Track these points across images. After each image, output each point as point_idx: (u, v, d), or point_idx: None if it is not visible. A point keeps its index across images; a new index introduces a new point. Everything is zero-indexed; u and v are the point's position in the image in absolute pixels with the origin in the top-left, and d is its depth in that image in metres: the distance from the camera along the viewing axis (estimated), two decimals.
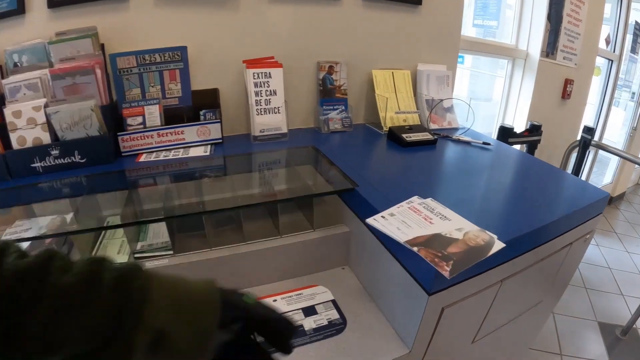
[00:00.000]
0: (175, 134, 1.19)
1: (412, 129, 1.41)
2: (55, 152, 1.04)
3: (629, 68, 3.69)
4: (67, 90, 1.06)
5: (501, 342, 1.31)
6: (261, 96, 1.26)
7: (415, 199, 0.95)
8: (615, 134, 4.23)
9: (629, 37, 3.39)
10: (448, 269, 0.72)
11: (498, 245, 0.80)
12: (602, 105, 3.46)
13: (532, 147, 2.13)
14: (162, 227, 0.96)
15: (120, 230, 0.98)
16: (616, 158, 4.24)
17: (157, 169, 1.12)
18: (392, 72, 1.53)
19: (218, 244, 0.93)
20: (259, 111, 1.27)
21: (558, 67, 2.49)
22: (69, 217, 0.93)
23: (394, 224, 0.84)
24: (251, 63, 1.24)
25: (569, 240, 1.12)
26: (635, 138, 4.08)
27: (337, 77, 1.41)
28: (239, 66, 1.27)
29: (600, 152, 4.03)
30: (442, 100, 1.62)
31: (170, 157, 1.16)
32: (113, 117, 1.14)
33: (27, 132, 1.02)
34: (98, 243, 0.96)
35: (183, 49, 1.18)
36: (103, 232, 0.99)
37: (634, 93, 4.03)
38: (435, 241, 0.79)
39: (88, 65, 1.05)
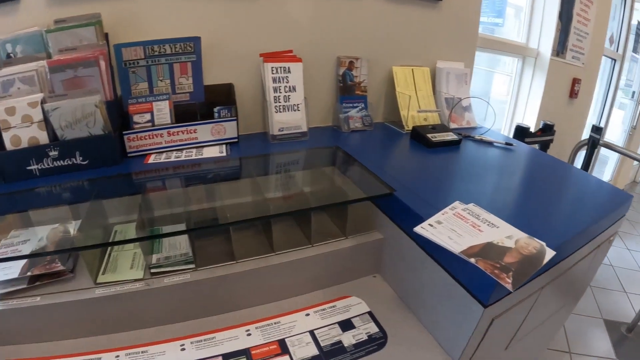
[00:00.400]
0: (187, 133, 1.11)
1: (435, 128, 1.36)
2: (54, 153, 0.95)
3: (630, 67, 3.73)
4: (67, 84, 0.97)
5: (528, 346, 1.29)
6: (280, 92, 1.18)
7: (457, 205, 0.90)
8: (615, 133, 4.29)
9: (632, 37, 3.43)
10: (510, 280, 0.67)
11: (549, 253, 0.76)
12: (604, 104, 3.49)
13: (544, 147, 2.10)
14: (179, 238, 0.88)
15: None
16: (615, 156, 4.30)
17: (169, 171, 1.04)
18: (412, 69, 1.47)
19: (244, 256, 0.86)
20: (278, 108, 1.19)
21: (567, 66, 2.50)
22: (71, 226, 0.85)
23: (444, 232, 0.79)
24: (269, 57, 1.16)
25: (597, 243, 1.11)
26: (635, 137, 4.14)
27: (357, 73, 1.35)
28: (256, 60, 1.20)
29: (600, 151, 4.08)
30: (461, 99, 1.57)
31: (183, 158, 1.08)
32: (118, 115, 1.05)
33: (22, 131, 0.93)
34: (107, 255, 0.87)
35: (196, 40, 1.09)
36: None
37: (634, 92, 4.08)
38: (490, 251, 0.75)
39: (91, 56, 0.96)
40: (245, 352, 0.77)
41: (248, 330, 0.83)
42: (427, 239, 0.78)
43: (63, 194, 0.97)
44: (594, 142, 2.30)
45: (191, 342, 0.78)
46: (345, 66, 1.32)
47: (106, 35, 1.03)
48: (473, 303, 0.75)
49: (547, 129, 1.97)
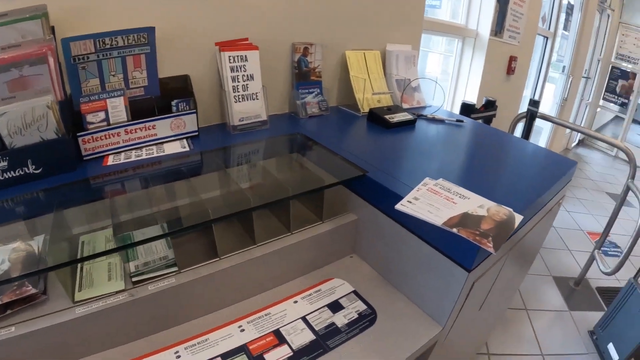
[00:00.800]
0: (146, 130, 1.07)
1: (391, 109, 1.42)
2: (3, 164, 0.88)
3: (561, 44, 4.05)
4: (12, 85, 0.89)
5: (494, 306, 1.42)
6: (238, 82, 1.17)
7: (428, 181, 0.95)
8: (547, 105, 4.65)
9: (562, 16, 3.72)
10: (491, 244, 0.74)
11: (518, 218, 0.84)
12: (538, 79, 3.75)
13: (487, 121, 2.24)
14: (155, 240, 0.85)
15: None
16: (548, 126, 4.66)
17: (131, 172, 1.00)
18: (364, 53, 1.51)
19: (227, 251, 0.86)
20: (237, 98, 1.18)
21: (504, 45, 2.68)
22: (34, 243, 0.78)
23: (423, 207, 0.84)
24: (225, 45, 1.15)
25: (550, 206, 1.24)
26: (566, 108, 4.51)
27: (312, 59, 1.36)
28: (211, 49, 1.17)
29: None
30: (411, 80, 1.64)
31: (144, 156, 1.04)
32: (70, 115, 0.99)
33: None
34: (80, 270, 0.81)
35: (150, 30, 1.05)
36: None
37: (564, 67, 4.44)
38: (467, 220, 0.81)
39: (39, 52, 0.89)
40: (243, 348, 0.78)
41: (240, 326, 0.83)
42: (406, 215, 0.83)
43: (18, 209, 0.90)
44: (532, 115, 2.48)
45: (185, 348, 0.77)
46: (300, 52, 1.33)
47: (52, 29, 0.96)
48: (457, 269, 0.81)
49: (489, 105, 2.11)
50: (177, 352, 0.76)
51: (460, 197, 0.89)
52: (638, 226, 2.10)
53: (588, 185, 4.72)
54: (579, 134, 6.49)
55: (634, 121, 8.59)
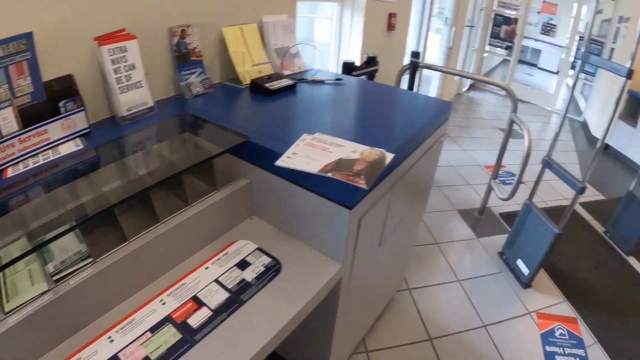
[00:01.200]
0: (39, 135, 1.09)
1: (271, 78, 1.53)
2: None
3: None
4: None
5: (397, 243, 1.62)
6: (120, 73, 1.22)
7: (305, 137, 1.08)
8: (435, 54, 5.06)
9: None
10: (363, 182, 0.89)
11: (389, 156, 1.00)
12: (421, 31, 4.07)
13: (371, 77, 2.45)
14: (66, 239, 0.90)
15: (20, 262, 0.88)
16: (437, 75, 5.09)
17: (32, 180, 1.02)
18: (241, 28, 1.60)
19: (134, 234, 0.93)
20: (122, 89, 1.22)
21: (382, 3, 2.87)
22: None
23: (301, 160, 0.97)
24: (103, 39, 1.17)
25: (430, 143, 1.43)
26: (451, 56, 4.94)
27: (191, 40, 1.42)
28: (89, 45, 1.19)
29: (423, 72, 4.81)
30: (289, 47, 1.76)
31: (41, 162, 1.06)
32: None
33: None
34: (2, 284, 0.84)
35: (28, 36, 1.05)
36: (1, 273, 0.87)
37: (447, 18, 4.84)
38: (341, 165, 0.95)
39: None
40: (168, 318, 0.87)
41: (162, 299, 0.92)
42: (288, 169, 0.95)
43: None
44: (415, 65, 2.73)
45: (116, 332, 0.83)
46: (178, 35, 1.39)
47: None
48: (340, 209, 0.97)
49: (370, 61, 2.30)
50: (109, 337, 0.83)
51: (335, 146, 1.03)
52: (525, 152, 2.40)
53: (482, 124, 5.26)
54: (469, 80, 7.15)
55: (520, 62, 9.59)
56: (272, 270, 1.01)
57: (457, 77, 5.90)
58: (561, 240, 2.42)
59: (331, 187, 0.96)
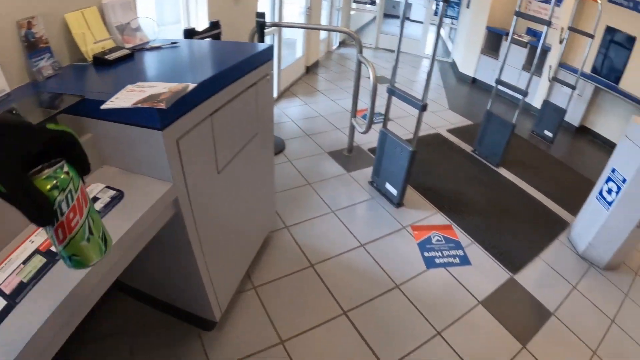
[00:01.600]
0: None
1: (111, 50, 1.72)
2: None
3: None
4: None
5: (247, 178, 1.90)
6: None
7: (129, 86, 1.28)
8: (295, 15, 5.39)
9: None
10: (163, 104, 1.13)
11: (192, 85, 1.26)
12: None
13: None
14: None
15: None
16: (301, 38, 5.46)
17: None
18: (82, 12, 1.74)
19: None
20: None
21: None
22: None
23: (121, 102, 1.18)
24: None
25: (252, 80, 1.72)
26: (312, 15, 5.32)
27: (37, 29, 1.55)
28: None
29: (288, 36, 5.13)
30: (128, 22, 1.95)
31: None
32: None
33: None
34: None
35: None
36: None
37: None
38: (150, 97, 1.18)
39: None
40: (36, 251, 1.05)
41: (31, 240, 1.08)
42: (110, 109, 1.15)
43: None
44: (262, 25, 3.00)
45: None
46: (26, 27, 1.51)
47: None
48: (153, 132, 1.20)
49: (213, 26, 2.54)
50: None
51: (150, 87, 1.25)
52: (372, 86, 2.74)
53: (351, 76, 5.74)
54: (339, 39, 7.68)
55: (393, 16, 10.32)
56: (117, 199, 1.22)
57: (323, 37, 6.32)
58: (417, 156, 2.78)
59: (142, 115, 1.19)
